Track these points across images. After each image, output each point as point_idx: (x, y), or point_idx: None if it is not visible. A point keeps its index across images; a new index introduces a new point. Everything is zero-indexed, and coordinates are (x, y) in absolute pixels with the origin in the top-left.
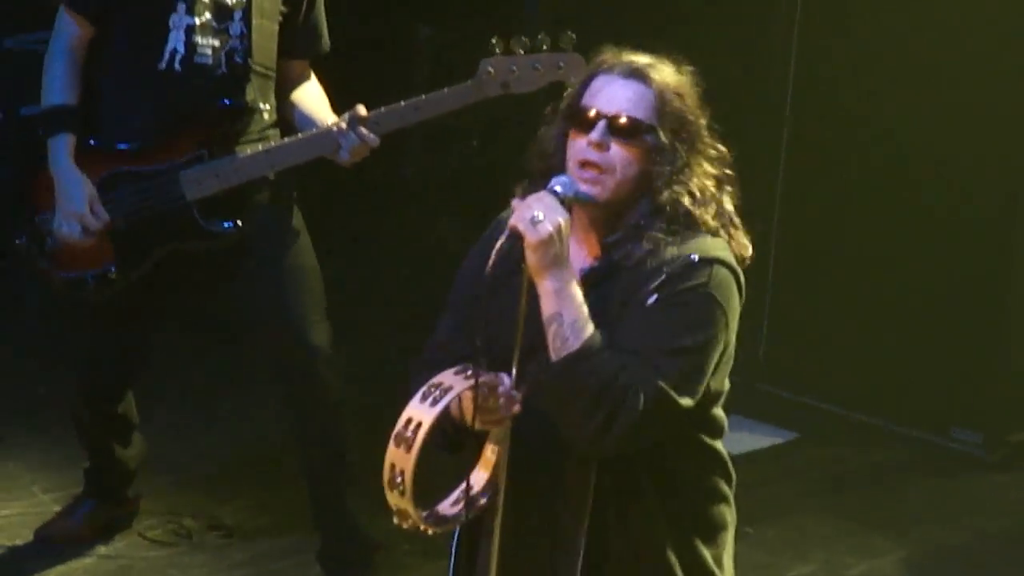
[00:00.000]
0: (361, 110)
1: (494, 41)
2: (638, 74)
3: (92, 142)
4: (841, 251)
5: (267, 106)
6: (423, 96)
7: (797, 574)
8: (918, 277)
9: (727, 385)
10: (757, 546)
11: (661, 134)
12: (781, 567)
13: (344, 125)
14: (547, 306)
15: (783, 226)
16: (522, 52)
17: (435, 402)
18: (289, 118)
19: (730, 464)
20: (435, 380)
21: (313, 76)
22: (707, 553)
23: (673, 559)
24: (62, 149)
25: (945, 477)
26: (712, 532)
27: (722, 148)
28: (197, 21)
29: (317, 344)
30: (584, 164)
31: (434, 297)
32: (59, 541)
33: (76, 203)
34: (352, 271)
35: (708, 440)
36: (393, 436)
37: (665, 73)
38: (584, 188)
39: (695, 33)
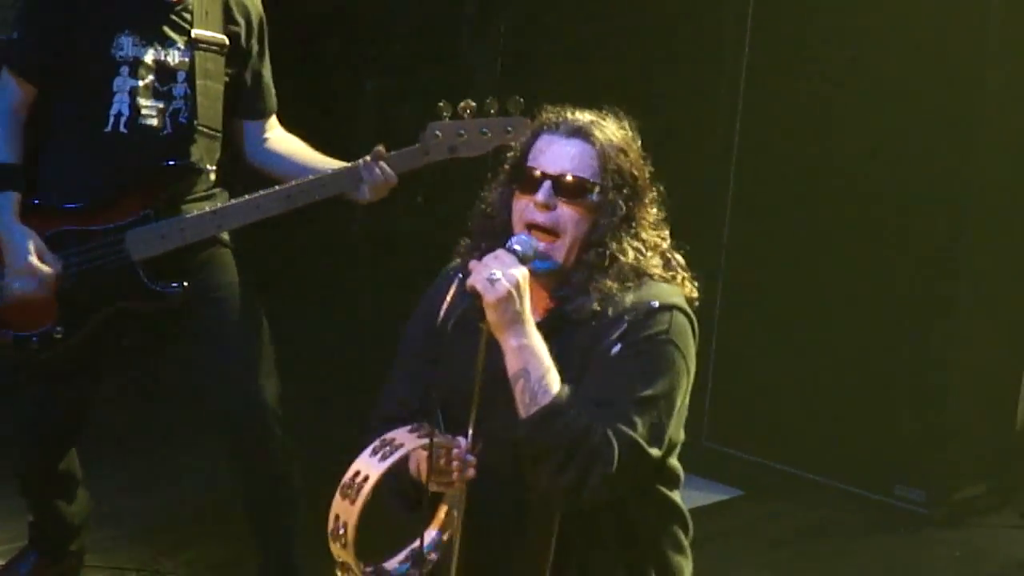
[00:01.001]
0: (382, 149)
1: (441, 105)
2: (581, 132)
3: (36, 201)
4: (785, 309)
5: (212, 166)
6: (423, 144)
7: None
8: (861, 336)
9: (682, 435)
10: None
11: (606, 191)
12: None
13: (367, 162)
14: (512, 363)
15: (728, 285)
16: (469, 116)
17: (384, 457)
18: (273, 170)
19: (687, 514)
20: (388, 436)
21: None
22: None
23: None
24: (6, 207)
25: (889, 534)
26: None
27: (662, 195)
28: (140, 83)
29: (265, 398)
30: (533, 227)
31: (381, 354)
32: None
33: (25, 257)
34: (298, 327)
35: (666, 491)
36: (340, 487)
37: (607, 130)
38: (542, 249)
39: (641, 82)
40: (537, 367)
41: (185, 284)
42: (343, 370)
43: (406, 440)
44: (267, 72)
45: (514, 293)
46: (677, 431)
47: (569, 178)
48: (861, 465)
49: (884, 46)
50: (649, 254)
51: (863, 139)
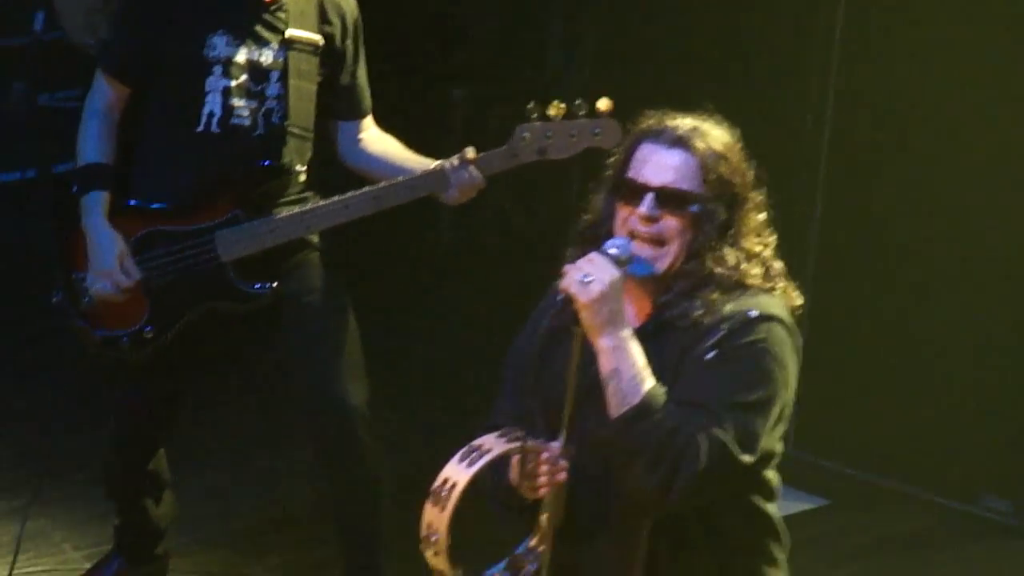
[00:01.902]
0: (470, 152)
1: (530, 106)
2: (682, 142)
3: (128, 202)
4: (873, 318)
5: (303, 167)
6: (511, 146)
7: None
8: (949, 345)
9: (780, 447)
10: None
11: (707, 201)
12: None
13: (456, 163)
14: (605, 364)
15: (816, 291)
16: (558, 118)
17: (472, 463)
18: (367, 171)
19: (783, 528)
20: (476, 442)
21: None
22: None
23: None
24: (95, 207)
25: (976, 545)
26: None
27: (765, 202)
28: (233, 83)
29: (353, 403)
30: (635, 237)
31: (467, 362)
32: None
33: (107, 261)
34: (386, 336)
35: (761, 503)
36: (430, 495)
37: (709, 137)
38: (645, 256)
39: (730, 88)
40: (629, 368)
41: (274, 284)
42: (428, 377)
43: (494, 445)
44: (362, 73)
45: (607, 294)
46: (774, 442)
47: (671, 190)
48: (948, 475)
49: (978, 52)
50: (750, 263)
51: (957, 148)
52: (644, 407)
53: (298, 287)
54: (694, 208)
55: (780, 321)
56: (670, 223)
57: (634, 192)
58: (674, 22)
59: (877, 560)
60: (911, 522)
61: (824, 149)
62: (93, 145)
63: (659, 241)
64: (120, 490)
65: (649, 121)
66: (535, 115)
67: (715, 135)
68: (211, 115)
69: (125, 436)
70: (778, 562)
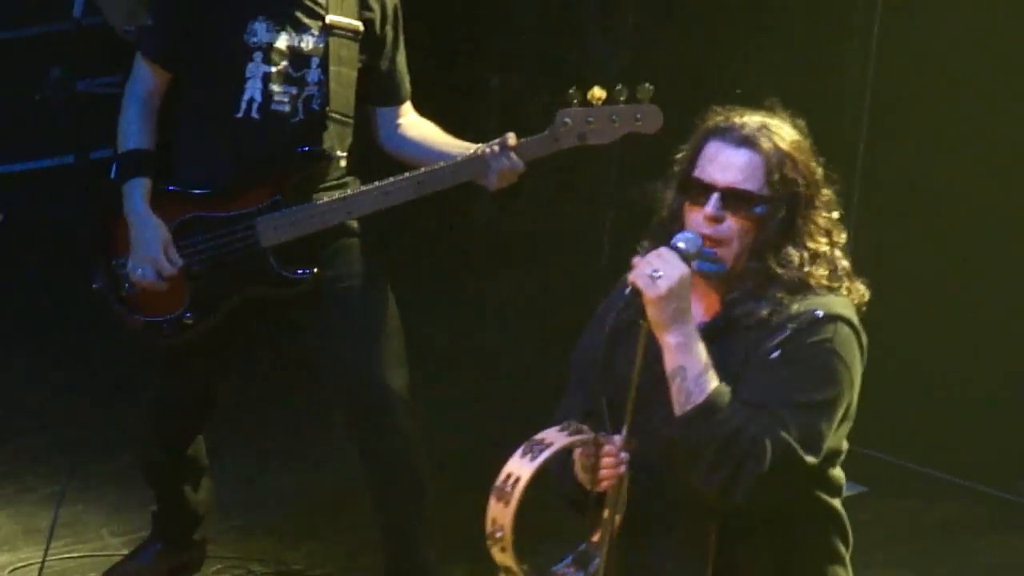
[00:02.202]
0: (511, 138)
1: (571, 91)
2: (749, 141)
3: (169, 187)
4: (912, 307)
5: (343, 153)
6: (552, 132)
7: None
8: (987, 330)
9: (846, 445)
10: None
11: (773, 202)
12: None
13: (496, 149)
14: (670, 360)
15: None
16: (599, 103)
17: (534, 457)
18: (407, 156)
19: (848, 525)
20: (537, 436)
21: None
22: None
23: None
24: (137, 193)
25: (1013, 531)
26: None
27: (834, 199)
28: (273, 70)
29: (395, 389)
30: (702, 237)
31: (503, 347)
32: None
33: (150, 248)
34: (419, 320)
35: (827, 498)
36: (493, 491)
37: (777, 136)
38: (709, 251)
39: (769, 71)
40: (695, 365)
41: (314, 270)
42: (462, 363)
43: (555, 439)
44: (401, 59)
45: (675, 290)
46: (840, 440)
47: (736, 190)
48: (986, 462)
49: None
50: (816, 263)
51: (1003, 137)
52: (709, 406)
53: (338, 273)
54: (759, 209)
55: (847, 321)
56: (734, 223)
57: (700, 191)
58: (712, 4)
59: (915, 546)
60: (949, 509)
61: (865, 120)
62: (135, 131)
63: (723, 241)
64: (159, 476)
65: (717, 118)
66: (576, 100)
67: (782, 133)
68: (251, 101)
69: (164, 421)
70: (842, 558)
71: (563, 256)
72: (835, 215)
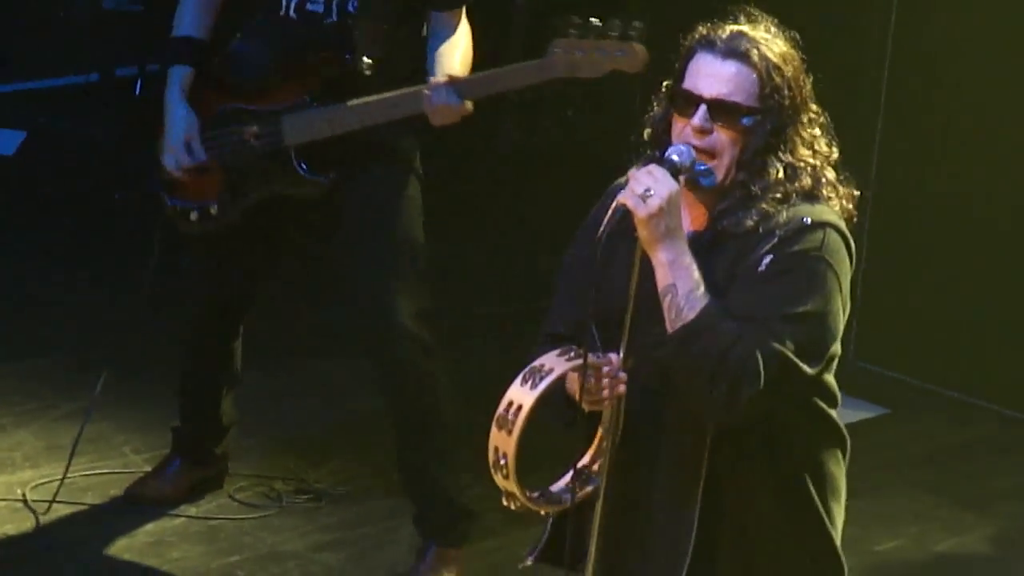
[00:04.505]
0: (453, 74)
1: (570, 19)
2: (737, 52)
3: (214, 77)
4: (936, 227)
5: (371, 60)
6: (497, 69)
7: (886, 548)
8: (1011, 254)
9: (839, 350)
10: (846, 519)
11: (761, 114)
12: (870, 540)
13: (437, 84)
14: (661, 278)
15: (877, 200)
16: (591, 36)
17: (534, 385)
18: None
19: (846, 435)
20: (536, 363)
21: (460, 30)
22: (822, 511)
23: (786, 521)
24: (176, 80)
25: None
26: (825, 496)
27: (823, 113)
28: None
29: (397, 318)
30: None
31: (528, 270)
32: (149, 501)
33: (174, 137)
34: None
35: (823, 406)
36: (495, 419)
37: (765, 47)
38: (702, 165)
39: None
40: (685, 282)
41: (329, 176)
42: (493, 289)
43: (555, 365)
44: None
45: (666, 208)
46: (835, 346)
47: (724, 102)
48: (1009, 384)
49: None
50: (802, 173)
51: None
52: (700, 322)
53: (358, 192)
54: (746, 120)
55: (834, 227)
56: (722, 135)
57: (688, 103)
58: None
59: (938, 467)
60: (970, 431)
61: (885, 69)
62: (188, 20)
63: (712, 153)
64: (193, 378)
65: (704, 30)
66: (572, 31)
67: (772, 44)
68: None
69: (200, 311)
70: (840, 464)
71: (588, 175)
72: (818, 130)
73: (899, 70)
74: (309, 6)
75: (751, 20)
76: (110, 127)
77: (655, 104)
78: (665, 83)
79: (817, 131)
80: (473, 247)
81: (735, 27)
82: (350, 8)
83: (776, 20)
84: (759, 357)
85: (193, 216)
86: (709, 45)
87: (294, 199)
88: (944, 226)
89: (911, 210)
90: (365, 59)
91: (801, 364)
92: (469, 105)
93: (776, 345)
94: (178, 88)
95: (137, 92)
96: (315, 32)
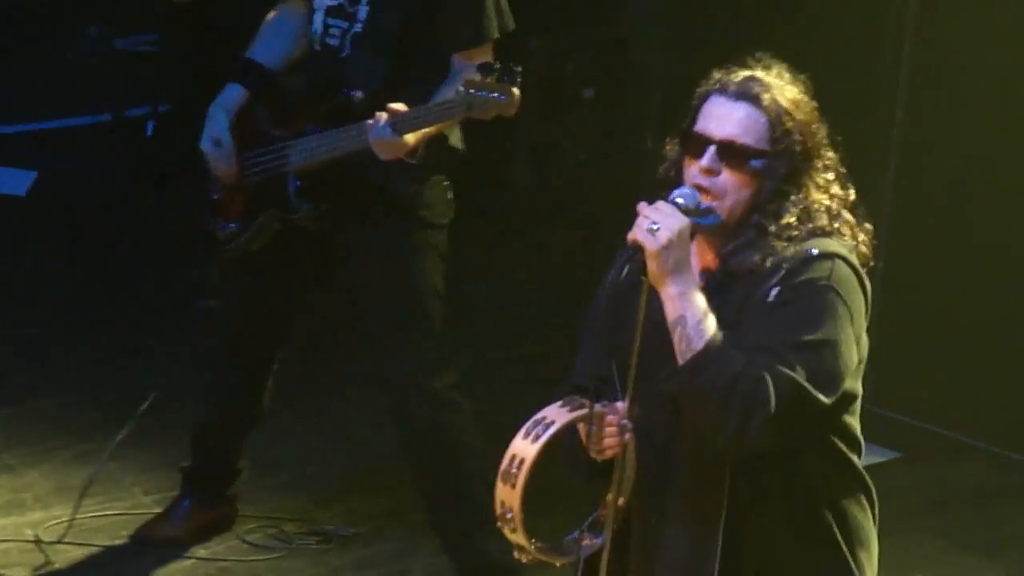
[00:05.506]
0: (394, 108)
1: (489, 65)
2: (749, 95)
3: (266, 102)
4: (948, 272)
5: (364, 94)
6: (421, 105)
7: None
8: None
9: (860, 389)
10: None
11: (772, 158)
12: None
13: (378, 118)
14: (671, 311)
15: (890, 243)
16: (491, 80)
17: (536, 438)
18: None
19: (870, 483)
20: (539, 415)
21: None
22: (851, 560)
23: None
24: (227, 97)
25: None
26: (853, 546)
27: (837, 160)
28: (334, 3)
29: (403, 378)
30: (699, 189)
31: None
32: (158, 543)
33: (204, 134)
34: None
35: (844, 449)
36: (500, 473)
37: (777, 90)
38: (706, 206)
39: (806, 34)
40: (694, 314)
41: (319, 207)
42: (497, 322)
43: (557, 416)
44: (459, 9)
45: (674, 241)
46: (855, 383)
47: (734, 144)
48: (1021, 429)
49: None
50: (814, 215)
51: None
52: (710, 350)
53: (363, 243)
54: (755, 163)
55: (843, 258)
56: (730, 177)
57: (698, 144)
58: None
59: (949, 513)
60: (983, 476)
61: (902, 86)
62: (258, 44)
63: (719, 194)
64: (215, 416)
65: (719, 74)
66: (489, 76)
67: (784, 89)
68: (315, 33)
69: (224, 352)
70: (866, 511)
71: (599, 214)
72: (831, 175)
73: (914, 110)
74: (328, 40)
75: (765, 66)
76: (122, 167)
77: (669, 146)
78: (684, 125)
79: (831, 175)
80: (486, 287)
81: (748, 72)
82: (357, 43)
83: (789, 65)
84: (769, 382)
85: (220, 235)
86: (721, 88)
87: (306, 232)
88: (958, 270)
89: (924, 254)
90: (359, 94)
91: (813, 391)
92: (408, 139)
93: (786, 371)
94: (222, 100)
95: (149, 132)
96: (331, 65)
